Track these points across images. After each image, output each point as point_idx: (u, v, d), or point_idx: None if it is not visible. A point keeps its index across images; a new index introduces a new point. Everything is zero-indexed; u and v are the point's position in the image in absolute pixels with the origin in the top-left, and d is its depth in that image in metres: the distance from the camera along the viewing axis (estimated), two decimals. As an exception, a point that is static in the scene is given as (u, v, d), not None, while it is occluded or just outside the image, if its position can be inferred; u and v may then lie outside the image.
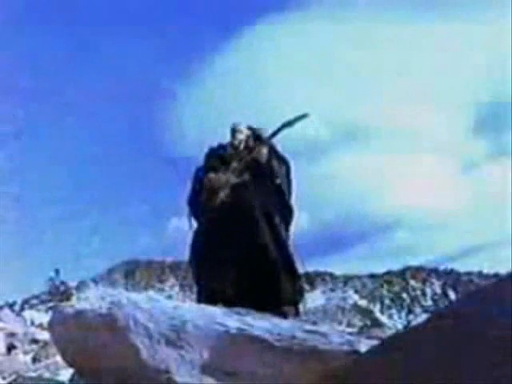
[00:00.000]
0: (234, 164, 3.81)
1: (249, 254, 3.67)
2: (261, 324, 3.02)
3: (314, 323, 3.17)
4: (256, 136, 3.94)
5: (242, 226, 3.70)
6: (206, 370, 2.75)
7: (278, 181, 3.86)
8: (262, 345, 2.77)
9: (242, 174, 3.78)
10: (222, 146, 4.02)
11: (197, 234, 3.87)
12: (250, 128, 3.98)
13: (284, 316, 3.42)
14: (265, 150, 3.84)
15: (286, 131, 3.76)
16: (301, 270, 4.14)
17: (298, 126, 3.65)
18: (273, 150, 3.93)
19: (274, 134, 3.86)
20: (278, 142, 4.01)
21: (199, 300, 3.71)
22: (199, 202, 3.81)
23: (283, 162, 3.95)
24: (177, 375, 2.71)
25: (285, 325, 3.06)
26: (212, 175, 3.82)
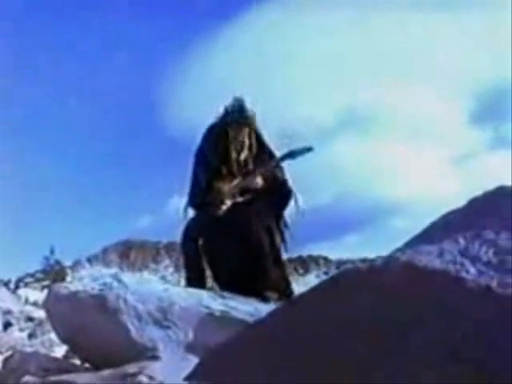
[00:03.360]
0: (238, 182, 3.84)
1: (236, 241, 3.83)
2: (243, 307, 3.22)
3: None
4: (260, 146, 3.91)
5: (232, 215, 3.85)
6: (190, 349, 2.95)
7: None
8: (243, 327, 2.97)
9: (246, 193, 3.84)
10: (220, 136, 3.94)
11: (191, 224, 3.98)
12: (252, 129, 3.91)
13: (267, 300, 3.61)
14: (279, 174, 3.83)
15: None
16: (286, 255, 4.32)
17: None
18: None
19: (277, 163, 3.85)
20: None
21: (188, 283, 3.89)
22: (202, 203, 3.88)
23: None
24: (163, 353, 2.91)
25: (266, 309, 3.26)
26: (219, 186, 3.85)
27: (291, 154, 3.82)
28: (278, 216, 3.94)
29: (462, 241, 1.30)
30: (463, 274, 1.17)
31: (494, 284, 1.14)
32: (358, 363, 1.27)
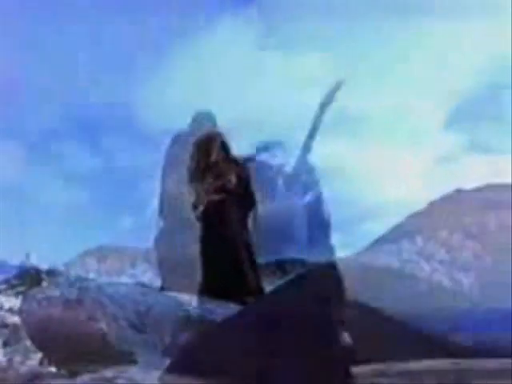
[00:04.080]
0: (211, 180, 3.94)
1: (216, 248, 3.87)
2: (220, 311, 3.25)
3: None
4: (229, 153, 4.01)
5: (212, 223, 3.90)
6: (167, 352, 2.97)
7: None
8: (211, 325, 2.99)
9: (219, 192, 3.93)
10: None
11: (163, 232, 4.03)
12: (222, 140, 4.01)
13: (244, 304, 3.66)
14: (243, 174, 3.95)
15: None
16: (266, 259, 4.39)
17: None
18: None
19: (250, 159, 4.03)
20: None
21: (162, 287, 3.91)
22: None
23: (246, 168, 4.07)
24: (140, 357, 2.92)
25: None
26: (196, 187, 3.93)
27: (264, 148, 4.02)
28: (246, 216, 4.06)
29: (419, 241, 1.39)
30: (417, 272, 1.27)
31: (445, 280, 1.23)
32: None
